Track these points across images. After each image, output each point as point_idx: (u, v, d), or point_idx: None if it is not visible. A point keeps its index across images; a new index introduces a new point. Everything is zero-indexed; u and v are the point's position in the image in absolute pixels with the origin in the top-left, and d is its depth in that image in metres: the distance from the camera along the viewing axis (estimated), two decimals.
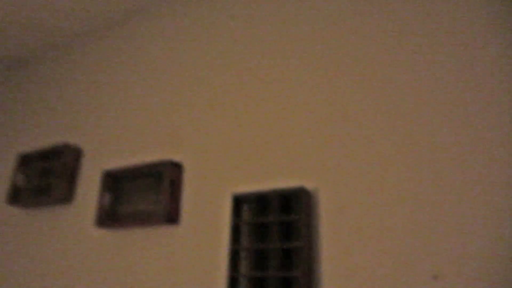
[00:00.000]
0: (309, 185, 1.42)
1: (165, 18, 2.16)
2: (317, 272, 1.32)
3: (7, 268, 2.21)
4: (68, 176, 2.09)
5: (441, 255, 1.15)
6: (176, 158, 1.78)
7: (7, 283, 2.17)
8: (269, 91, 1.65)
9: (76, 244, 1.96)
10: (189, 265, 1.57)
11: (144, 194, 1.80)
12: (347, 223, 1.32)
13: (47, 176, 2.19)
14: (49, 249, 2.06)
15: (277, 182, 1.49)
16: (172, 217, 1.64)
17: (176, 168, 1.72)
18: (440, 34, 1.38)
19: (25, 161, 2.30)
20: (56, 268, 1.99)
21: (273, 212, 1.40)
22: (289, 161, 1.49)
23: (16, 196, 2.25)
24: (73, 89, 2.41)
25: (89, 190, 2.04)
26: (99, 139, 2.12)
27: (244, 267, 1.40)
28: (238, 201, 1.47)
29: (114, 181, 1.90)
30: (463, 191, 1.19)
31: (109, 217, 1.83)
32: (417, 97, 1.34)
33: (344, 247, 1.30)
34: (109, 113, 2.15)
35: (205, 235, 1.58)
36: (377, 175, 1.32)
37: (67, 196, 2.07)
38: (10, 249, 2.26)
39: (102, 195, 1.85)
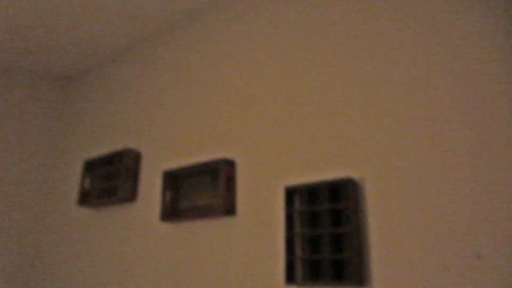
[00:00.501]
0: (356, 174, 1.54)
1: (220, 22, 2.33)
2: (366, 254, 1.44)
3: (81, 261, 2.48)
4: (130, 178, 2.32)
5: (485, 235, 1.24)
6: (230, 155, 1.95)
7: (81, 276, 2.43)
8: (315, 86, 1.77)
9: (142, 238, 2.18)
10: (247, 252, 1.74)
11: (202, 190, 1.98)
12: (393, 209, 1.43)
13: (111, 178, 2.43)
14: (119, 243, 2.30)
15: (326, 173, 1.61)
16: (229, 209, 1.81)
17: (230, 164, 1.88)
18: None
19: (91, 166, 2.55)
20: (126, 259, 2.22)
21: (323, 201, 1.53)
22: (336, 152, 1.62)
23: (85, 198, 2.51)
24: (130, 97, 2.64)
25: (150, 189, 2.25)
26: (157, 142, 2.33)
27: (299, 251, 1.54)
28: (290, 193, 1.62)
29: (174, 180, 2.09)
30: (507, 172, 1.27)
31: (171, 212, 2.03)
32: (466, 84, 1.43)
33: (391, 231, 1.41)
34: (165, 117, 2.35)
35: (260, 225, 1.73)
36: (420, 163, 1.42)
37: (131, 195, 2.29)
38: (83, 245, 2.53)
39: (164, 193, 2.05)
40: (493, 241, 1.23)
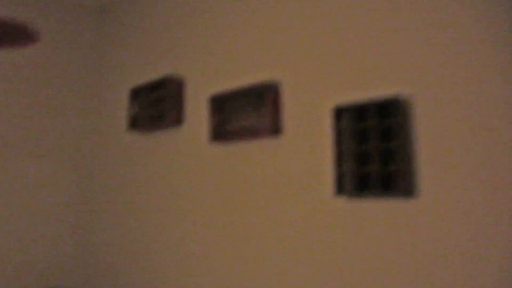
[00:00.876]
0: (405, 90, 1.54)
1: None
2: (414, 167, 1.48)
3: (133, 185, 2.68)
4: (176, 102, 2.40)
5: None
6: (276, 76, 1.97)
7: (132, 198, 2.64)
8: (361, 1, 1.71)
9: (191, 160, 2.31)
10: (295, 169, 1.82)
11: (248, 112, 2.04)
12: (442, 126, 1.44)
13: (158, 104, 2.52)
14: (169, 165, 2.45)
15: (374, 90, 1.62)
16: (276, 128, 1.87)
17: (275, 86, 1.91)
18: None
19: (136, 93, 2.65)
20: (176, 181, 2.38)
21: (371, 118, 1.55)
22: (384, 69, 1.60)
23: (134, 124, 2.64)
24: (172, 22, 2.64)
25: (196, 113, 2.34)
26: (202, 66, 2.37)
27: (347, 165, 1.60)
28: (339, 111, 1.64)
29: (220, 103, 2.15)
30: None
31: (219, 134, 2.12)
32: None
33: (439, 147, 1.43)
34: (209, 41, 2.36)
35: (308, 143, 1.79)
36: (468, 80, 1.39)
37: (178, 119, 2.39)
38: (134, 169, 2.71)
39: (211, 115, 2.13)
40: None
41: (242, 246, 1.99)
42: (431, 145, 1.46)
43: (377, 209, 1.55)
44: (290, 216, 1.81)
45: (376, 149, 1.53)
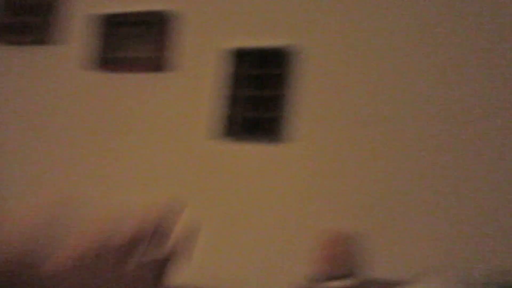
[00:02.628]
0: (296, 42, 1.64)
1: None
2: (296, 115, 1.63)
3: None
4: (45, 15, 2.05)
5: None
6: (174, 7, 1.83)
7: None
8: None
9: (62, 86, 2.06)
10: (183, 107, 1.81)
11: (137, 42, 1.89)
12: (326, 78, 1.60)
13: (25, 12, 2.11)
14: (37, 88, 2.15)
15: (269, 39, 1.68)
16: (163, 63, 1.80)
17: (168, 16, 1.80)
18: None
19: None
20: (45, 105, 2.12)
21: (261, 65, 1.62)
22: (280, 20, 1.67)
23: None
24: None
25: (75, 33, 2.06)
26: None
27: (236, 109, 1.67)
28: (235, 54, 1.66)
29: (106, 26, 1.93)
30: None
31: (101, 60, 1.92)
32: None
33: (321, 99, 1.60)
34: None
35: (199, 82, 1.79)
36: (356, 41, 1.56)
37: (46, 36, 2.06)
38: None
39: (93, 39, 1.91)
40: (395, 114, 1.50)
41: (113, 175, 1.90)
42: (312, 95, 1.62)
43: (257, 151, 1.67)
44: (165, 154, 1.81)
45: (262, 96, 1.63)
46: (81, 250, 0.26)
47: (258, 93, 1.63)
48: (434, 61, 1.52)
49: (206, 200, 1.72)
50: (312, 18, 1.64)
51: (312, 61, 1.62)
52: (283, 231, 1.60)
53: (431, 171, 1.49)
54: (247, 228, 1.65)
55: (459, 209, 1.46)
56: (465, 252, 1.44)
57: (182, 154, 1.79)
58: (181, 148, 1.79)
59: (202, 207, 1.71)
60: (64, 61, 2.09)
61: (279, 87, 1.62)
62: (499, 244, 1.42)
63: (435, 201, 1.48)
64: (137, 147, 1.89)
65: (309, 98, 1.62)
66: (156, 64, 1.78)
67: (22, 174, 2.18)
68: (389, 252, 1.50)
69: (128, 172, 1.88)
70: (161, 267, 0.28)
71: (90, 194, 1.88)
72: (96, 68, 1.91)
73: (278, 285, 1.54)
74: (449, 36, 1.50)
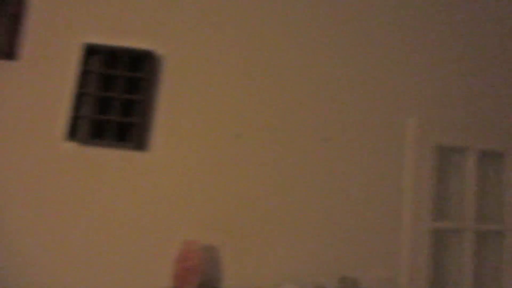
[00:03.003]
0: (157, 48, 1.57)
1: None
2: (151, 122, 1.54)
3: None
4: None
5: (330, 121, 1.51)
6: None
7: None
8: None
9: None
10: (27, 104, 1.59)
11: None
12: (184, 87, 1.55)
13: None
14: None
15: (128, 40, 1.57)
16: (10, 51, 1.58)
17: (20, 1, 1.60)
18: None
19: None
20: None
21: (121, 67, 1.51)
22: (141, 22, 1.58)
23: None
24: None
25: None
26: None
27: (86, 110, 1.52)
28: (89, 51, 1.52)
29: None
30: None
31: None
32: None
33: (178, 106, 1.55)
34: None
35: (47, 76, 1.59)
36: (219, 47, 1.54)
37: None
38: None
39: None
40: (336, 127, 1.52)
41: None
42: (170, 103, 1.55)
43: (112, 157, 1.54)
44: (17, 157, 1.59)
45: (119, 99, 1.51)
46: None
47: (115, 96, 1.51)
48: (299, 70, 1.58)
49: (59, 208, 1.53)
50: (175, 23, 1.59)
51: (174, 67, 1.57)
52: (139, 242, 1.49)
53: (285, 183, 1.54)
54: (100, 240, 1.50)
55: (312, 219, 1.52)
56: (318, 261, 1.50)
57: (37, 158, 1.58)
58: (36, 151, 1.58)
59: (53, 216, 1.51)
60: None
61: (139, 91, 1.53)
62: (349, 253, 1.51)
63: (290, 212, 1.52)
64: None
65: (167, 105, 1.56)
66: (4, 52, 1.56)
67: None
68: (243, 264, 1.48)
69: None
70: None
71: None
72: None
73: None
74: (306, 45, 1.58)
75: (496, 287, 1.57)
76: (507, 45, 1.69)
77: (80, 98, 1.52)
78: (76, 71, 1.58)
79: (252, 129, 1.55)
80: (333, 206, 1.53)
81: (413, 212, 1.49)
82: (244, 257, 1.49)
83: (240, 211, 1.51)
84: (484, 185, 1.63)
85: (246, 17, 1.61)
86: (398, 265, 1.52)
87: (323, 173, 1.55)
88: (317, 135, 1.56)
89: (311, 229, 1.52)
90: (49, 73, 1.60)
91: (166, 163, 1.53)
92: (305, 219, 1.52)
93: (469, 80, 1.65)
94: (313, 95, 1.59)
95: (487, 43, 1.69)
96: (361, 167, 1.56)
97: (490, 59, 1.68)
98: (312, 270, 1.49)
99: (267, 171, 1.53)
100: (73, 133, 1.50)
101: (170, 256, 1.48)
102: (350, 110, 1.59)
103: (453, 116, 1.62)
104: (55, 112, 1.58)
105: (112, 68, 1.54)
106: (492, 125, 1.63)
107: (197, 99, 1.56)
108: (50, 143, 1.56)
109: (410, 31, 1.67)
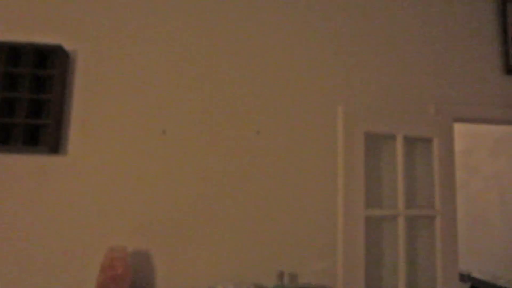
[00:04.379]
0: (68, 44, 1.44)
1: None
2: (64, 123, 1.43)
3: None
4: None
5: (261, 115, 1.43)
6: None
7: None
8: None
9: None
10: None
11: None
12: (100, 84, 1.44)
13: None
14: None
15: (34, 36, 1.44)
16: None
17: None
18: None
19: None
20: None
21: (26, 65, 1.37)
22: (49, 17, 1.45)
23: None
24: None
25: None
26: None
27: None
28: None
29: None
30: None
31: None
32: None
33: (93, 105, 1.43)
34: None
35: None
36: (135, 45, 1.44)
37: None
38: None
39: None
40: (267, 120, 1.44)
41: None
42: (84, 102, 1.44)
43: (22, 163, 1.41)
44: None
45: (26, 100, 1.38)
46: None
47: (21, 96, 1.37)
48: (228, 64, 1.51)
49: None
50: (88, 15, 1.47)
51: (88, 63, 1.45)
52: (62, 252, 1.38)
53: (215, 181, 1.48)
54: (17, 254, 1.37)
55: (246, 216, 1.47)
56: (256, 259, 1.45)
57: None
58: None
59: None
60: None
61: (49, 90, 1.40)
62: (287, 248, 1.48)
63: (222, 209, 1.46)
64: None
65: (83, 104, 1.44)
66: None
67: None
68: (176, 266, 1.42)
69: None
70: None
71: None
72: None
73: None
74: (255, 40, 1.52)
75: (429, 268, 1.61)
76: (427, 39, 1.72)
77: None
78: None
79: (177, 126, 1.47)
80: (267, 201, 1.49)
81: (346, 200, 1.48)
82: (176, 259, 1.42)
83: (170, 211, 1.43)
84: (414, 171, 1.66)
85: (168, 11, 1.52)
86: (335, 255, 1.51)
87: (255, 168, 1.50)
88: (248, 129, 1.51)
89: (246, 226, 1.47)
90: None
91: (86, 166, 1.42)
92: (238, 216, 1.47)
93: (394, 70, 1.66)
94: (243, 89, 1.53)
95: (409, 38, 1.70)
96: (295, 160, 1.53)
97: (410, 52, 1.69)
98: (250, 269, 1.45)
99: (196, 169, 1.46)
100: None
101: (97, 264, 1.38)
102: (282, 103, 1.55)
103: (380, 105, 1.62)
104: None
105: (16, 66, 1.40)
106: (419, 113, 1.65)
107: (117, 97, 1.45)
108: None
109: (340, 28, 1.65)
